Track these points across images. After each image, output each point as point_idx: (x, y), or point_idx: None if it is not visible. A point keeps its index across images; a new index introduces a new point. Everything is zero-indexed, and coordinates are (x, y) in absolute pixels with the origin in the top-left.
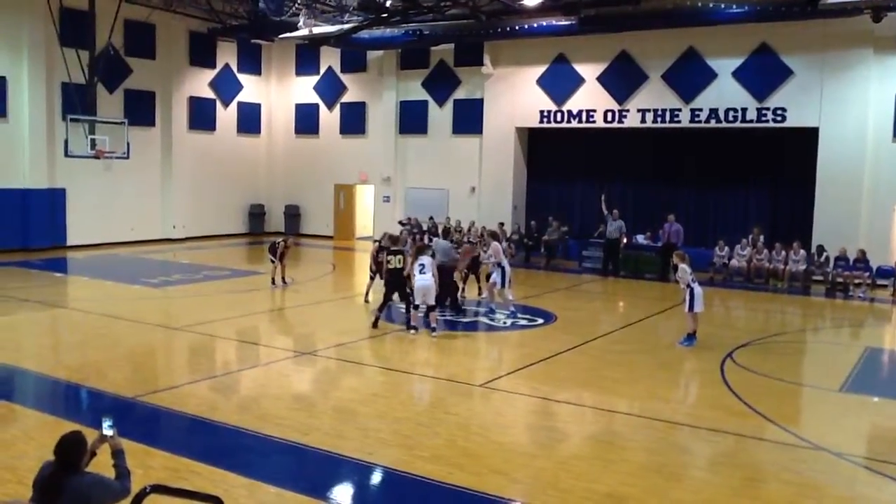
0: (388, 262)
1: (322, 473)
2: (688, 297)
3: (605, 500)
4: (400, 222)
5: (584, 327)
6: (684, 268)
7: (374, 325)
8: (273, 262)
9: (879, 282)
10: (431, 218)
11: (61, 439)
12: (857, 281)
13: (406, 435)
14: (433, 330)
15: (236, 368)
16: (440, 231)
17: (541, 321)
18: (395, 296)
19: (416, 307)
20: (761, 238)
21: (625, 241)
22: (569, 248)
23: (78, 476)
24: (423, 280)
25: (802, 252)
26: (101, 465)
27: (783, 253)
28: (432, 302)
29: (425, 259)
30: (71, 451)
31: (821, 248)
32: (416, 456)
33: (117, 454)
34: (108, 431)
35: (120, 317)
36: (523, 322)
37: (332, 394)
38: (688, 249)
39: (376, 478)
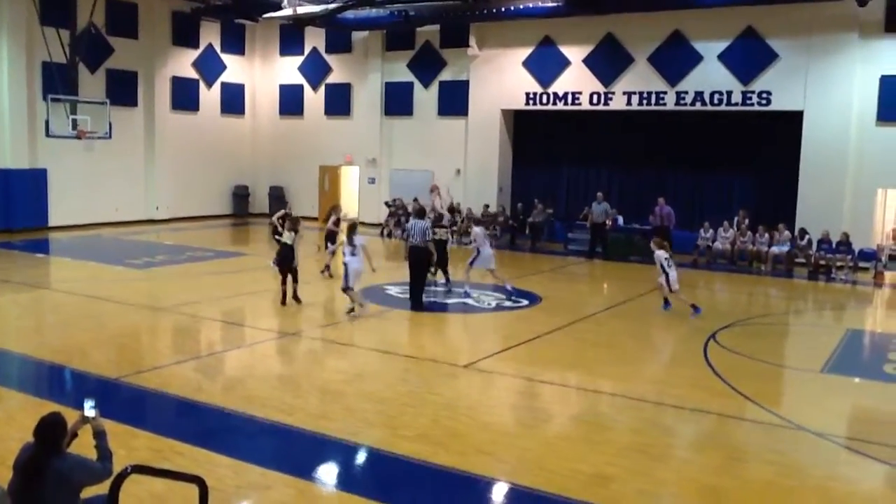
0: (434, 233)
1: (307, 454)
2: (664, 282)
3: (590, 479)
4: (386, 203)
5: (569, 309)
6: (660, 254)
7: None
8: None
9: (861, 264)
10: (416, 199)
11: (41, 421)
12: (839, 264)
13: (391, 415)
14: (351, 311)
15: (221, 349)
16: (415, 211)
17: (526, 303)
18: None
19: (348, 289)
20: (746, 221)
21: (610, 223)
22: (554, 230)
23: (59, 457)
24: (356, 263)
25: (787, 233)
26: (83, 446)
27: (766, 235)
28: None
29: (358, 240)
30: (51, 433)
31: (803, 231)
32: (401, 436)
33: (99, 435)
34: (89, 413)
35: (104, 298)
36: (508, 304)
37: (317, 374)
38: (673, 231)
39: (361, 458)
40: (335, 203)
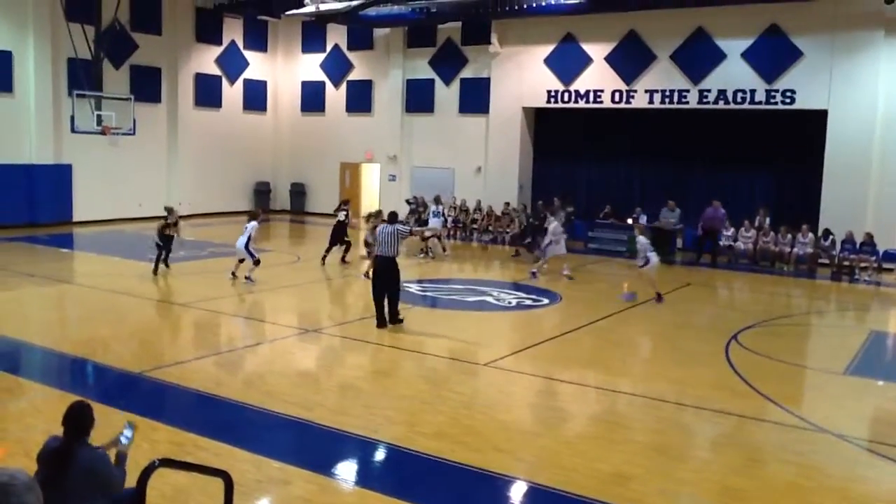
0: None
1: (326, 449)
2: (642, 262)
3: (610, 479)
4: (406, 201)
5: (589, 308)
6: (642, 239)
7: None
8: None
9: (886, 265)
10: (437, 197)
11: (69, 408)
12: (863, 264)
13: (410, 412)
14: (248, 279)
15: (241, 345)
16: (389, 215)
17: (546, 301)
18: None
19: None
20: (767, 220)
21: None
22: (574, 228)
23: (87, 448)
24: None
25: (811, 235)
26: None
27: (789, 236)
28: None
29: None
30: (80, 419)
31: (827, 232)
32: (420, 433)
33: (121, 457)
34: (125, 440)
35: (126, 292)
36: (528, 302)
37: (337, 371)
38: (693, 231)
39: (380, 454)
40: (377, 211)
